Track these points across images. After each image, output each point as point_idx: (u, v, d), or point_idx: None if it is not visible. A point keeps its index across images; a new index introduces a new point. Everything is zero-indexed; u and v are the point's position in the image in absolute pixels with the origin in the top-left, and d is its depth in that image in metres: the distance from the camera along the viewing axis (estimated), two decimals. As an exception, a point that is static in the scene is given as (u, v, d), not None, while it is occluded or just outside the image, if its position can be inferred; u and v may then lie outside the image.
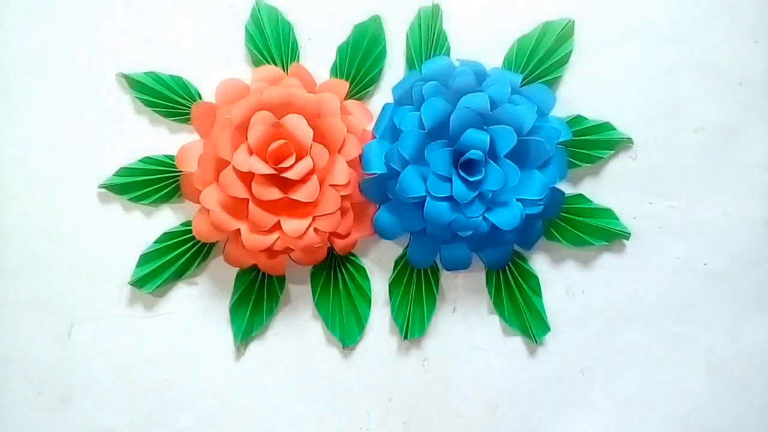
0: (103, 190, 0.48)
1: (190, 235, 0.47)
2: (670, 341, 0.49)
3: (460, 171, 0.44)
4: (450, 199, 0.44)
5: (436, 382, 0.49)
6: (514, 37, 0.48)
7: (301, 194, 0.44)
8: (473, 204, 0.44)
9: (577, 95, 0.49)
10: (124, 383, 0.49)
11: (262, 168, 0.44)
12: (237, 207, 0.45)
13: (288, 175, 0.44)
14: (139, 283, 0.48)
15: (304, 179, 0.44)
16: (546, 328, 0.48)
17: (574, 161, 0.48)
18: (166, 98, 0.48)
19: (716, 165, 0.49)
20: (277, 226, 0.45)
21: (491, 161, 0.44)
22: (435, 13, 0.48)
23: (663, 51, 0.49)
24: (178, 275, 0.48)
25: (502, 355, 0.49)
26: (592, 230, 0.48)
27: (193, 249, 0.48)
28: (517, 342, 0.49)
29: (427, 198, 0.44)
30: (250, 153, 0.44)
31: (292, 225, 0.45)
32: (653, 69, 0.49)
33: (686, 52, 0.49)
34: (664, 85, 0.49)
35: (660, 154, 0.49)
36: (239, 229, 0.45)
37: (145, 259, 0.48)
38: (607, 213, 0.48)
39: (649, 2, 0.49)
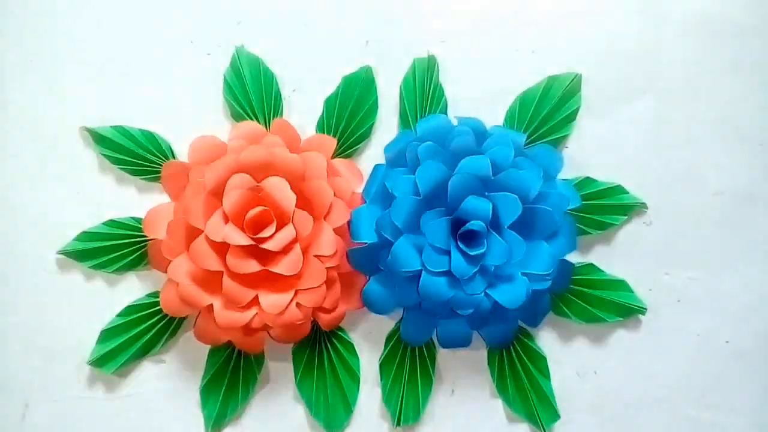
0: (62, 256, 0.44)
1: (158, 308, 0.43)
2: (691, 428, 0.45)
3: (459, 243, 0.40)
4: (448, 273, 0.40)
5: None
6: (516, 93, 0.45)
7: (282, 267, 0.40)
8: (474, 280, 0.40)
9: (586, 156, 0.45)
10: None
11: (238, 238, 0.40)
12: (210, 280, 0.41)
13: (268, 246, 0.40)
14: (99, 362, 0.43)
15: (285, 250, 0.40)
16: (555, 414, 0.44)
17: (584, 228, 0.44)
18: (135, 155, 0.44)
19: (737, 232, 0.45)
20: (255, 302, 0.41)
21: (494, 232, 0.40)
22: (431, 65, 0.45)
23: (678, 108, 0.46)
24: (144, 353, 0.44)
25: None
26: (604, 304, 0.44)
27: (161, 324, 0.44)
28: (523, 430, 0.45)
29: (423, 272, 0.40)
30: (226, 221, 0.40)
31: (272, 300, 0.41)
32: (667, 127, 0.46)
33: (703, 109, 0.46)
34: (679, 145, 0.46)
35: (677, 220, 0.46)
36: (212, 305, 0.41)
37: (106, 335, 0.43)
38: (621, 285, 0.45)
39: (661, 55, 0.46)
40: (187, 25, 0.45)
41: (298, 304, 0.41)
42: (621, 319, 0.44)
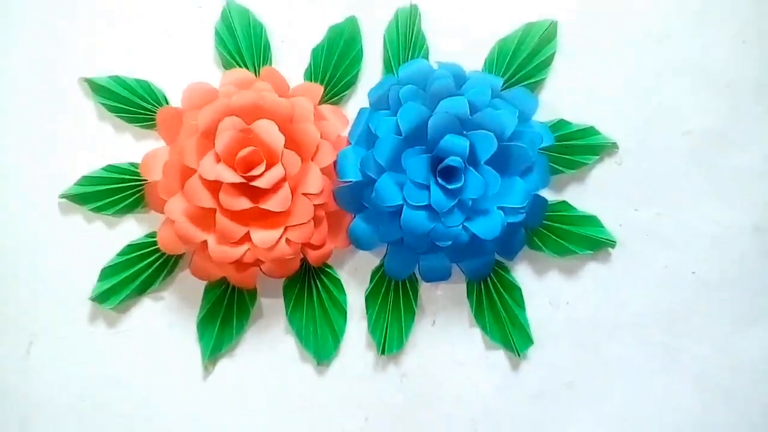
0: (64, 200, 0.46)
1: (155, 247, 0.45)
2: (659, 353, 0.48)
3: (438, 178, 0.42)
4: (428, 207, 0.42)
5: (416, 399, 0.47)
6: (495, 39, 0.47)
7: (272, 204, 0.42)
8: (452, 213, 0.42)
9: (561, 99, 0.47)
10: (87, 404, 0.46)
11: (230, 176, 0.42)
12: (204, 217, 0.43)
13: (258, 183, 0.42)
14: (100, 298, 0.45)
15: (275, 188, 0.42)
16: (529, 340, 0.47)
17: (558, 167, 0.46)
18: (131, 103, 0.46)
19: (705, 170, 0.48)
20: (247, 237, 0.43)
21: (471, 168, 0.42)
22: (413, 14, 0.46)
23: (649, 53, 0.47)
24: (143, 289, 0.46)
25: (483, 370, 0.47)
26: (576, 239, 0.46)
27: (159, 262, 0.46)
28: (499, 356, 0.47)
29: (404, 207, 0.42)
30: (218, 160, 0.42)
31: (263, 236, 0.43)
32: (639, 71, 0.47)
33: (673, 53, 0.48)
34: (650, 88, 0.47)
35: (646, 159, 0.47)
36: (206, 241, 0.43)
37: (107, 272, 0.45)
38: (592, 221, 0.47)
39: (634, 3, 0.48)
40: None
41: (287, 240, 0.43)
42: (592, 252, 0.46)
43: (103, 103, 0.46)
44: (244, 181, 0.42)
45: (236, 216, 0.42)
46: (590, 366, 0.47)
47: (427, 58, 0.46)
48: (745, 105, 0.48)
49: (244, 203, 0.42)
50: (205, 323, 0.46)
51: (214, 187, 0.42)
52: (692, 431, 0.48)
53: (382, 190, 0.42)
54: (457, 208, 0.42)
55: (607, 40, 0.47)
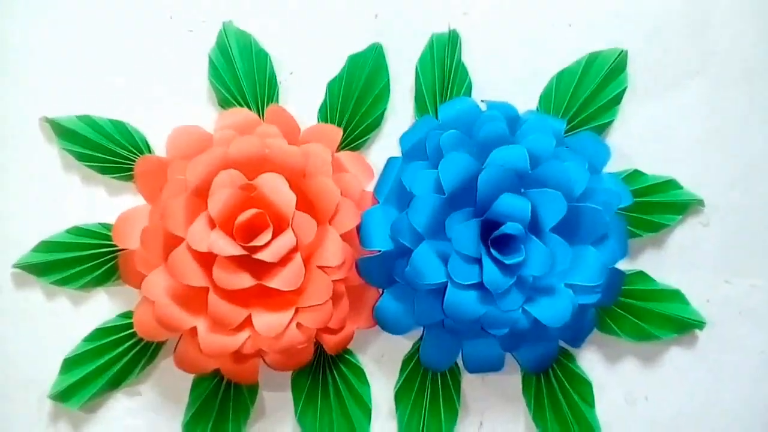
0: (19, 270, 0.40)
1: (131, 331, 0.39)
2: None
3: (491, 249, 0.36)
4: (479, 286, 0.36)
5: None
6: (552, 72, 0.42)
7: (279, 281, 0.36)
8: (510, 293, 0.36)
9: (633, 145, 0.42)
10: None
11: (227, 247, 0.35)
12: (193, 297, 0.37)
13: (262, 256, 0.36)
14: (63, 395, 0.39)
15: (283, 261, 0.36)
16: None
17: (632, 230, 0.41)
18: (103, 150, 0.41)
19: None
20: (248, 322, 0.37)
21: (533, 236, 0.36)
22: (452, 41, 0.41)
23: (735, 91, 0.43)
24: (115, 384, 0.40)
25: None
26: (656, 319, 0.41)
27: (135, 349, 0.40)
28: None
29: (449, 285, 0.36)
30: (212, 226, 0.36)
31: (268, 321, 0.36)
32: (725, 113, 0.43)
33: (763, 92, 0.43)
34: (738, 134, 0.43)
35: (738, 220, 0.42)
36: (195, 327, 0.36)
37: (70, 364, 0.40)
38: (675, 296, 0.41)
39: (716, 32, 0.43)
40: None
41: (299, 325, 0.37)
42: (675, 335, 0.41)
43: (68, 150, 0.40)
44: (245, 253, 0.36)
45: (234, 296, 0.36)
46: (676, 478, 0.41)
47: (469, 95, 0.41)
48: None
49: (245, 280, 0.36)
50: (193, 426, 0.40)
51: (207, 259, 0.36)
52: None
53: (420, 264, 0.35)
54: (515, 287, 0.36)
55: (686, 74, 0.43)
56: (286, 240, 0.36)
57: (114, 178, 0.41)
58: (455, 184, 0.36)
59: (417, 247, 0.36)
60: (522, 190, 0.36)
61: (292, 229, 0.36)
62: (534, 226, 0.36)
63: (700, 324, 0.41)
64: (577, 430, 0.40)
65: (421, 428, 0.40)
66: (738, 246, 0.42)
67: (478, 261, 0.36)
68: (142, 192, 0.39)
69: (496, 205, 0.36)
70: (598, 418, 0.41)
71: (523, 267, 0.35)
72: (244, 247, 0.36)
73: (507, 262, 0.35)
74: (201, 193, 0.37)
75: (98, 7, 0.42)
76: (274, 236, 0.36)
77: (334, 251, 0.37)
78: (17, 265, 0.40)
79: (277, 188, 0.37)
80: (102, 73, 0.42)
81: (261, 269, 0.36)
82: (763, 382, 0.42)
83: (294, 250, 0.36)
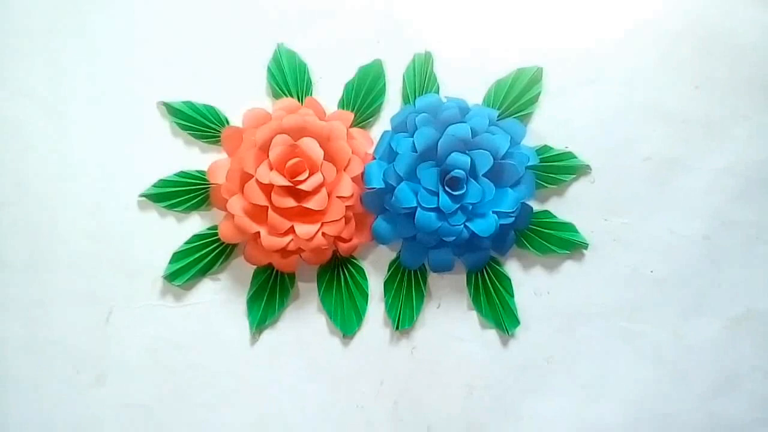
0: (143, 198, 0.55)
1: (216, 237, 0.54)
2: (622, 337, 0.56)
3: (445, 187, 0.52)
4: (437, 210, 0.51)
5: (423, 367, 0.56)
6: (492, 80, 0.56)
7: (312, 203, 0.51)
8: (456, 214, 0.51)
9: (545, 129, 0.56)
10: (154, 364, 0.55)
11: (280, 180, 0.51)
12: (258, 213, 0.52)
13: (302, 187, 0.51)
14: (171, 277, 0.54)
15: (315, 191, 0.51)
16: (517, 322, 0.55)
17: (542, 183, 0.55)
18: (200, 123, 0.55)
19: (662, 189, 0.56)
20: (291, 230, 0.52)
21: (472, 179, 0.52)
22: (427, 59, 0.55)
23: (617, 94, 0.56)
24: (204, 271, 0.55)
25: (479, 344, 0.56)
26: (556, 241, 0.55)
27: (218, 249, 0.55)
28: (492, 334, 0.56)
29: (418, 209, 0.51)
30: (271, 168, 0.51)
31: (304, 229, 0.52)
32: (609, 108, 0.56)
33: (637, 95, 0.56)
34: (618, 122, 0.56)
35: (614, 179, 0.56)
36: (259, 232, 0.51)
37: (176, 256, 0.54)
38: (569, 227, 0.56)
39: (605, 52, 0.56)
40: (240, 25, 0.56)
41: (323, 233, 0.52)
42: (569, 252, 0.55)
43: (176, 123, 0.55)
44: (291, 185, 0.51)
45: (283, 213, 0.51)
46: (565, 345, 0.56)
47: (437, 94, 0.55)
48: (696, 138, 0.57)
49: (290, 202, 0.51)
50: (253, 301, 0.55)
51: (267, 189, 0.51)
52: (648, 401, 0.56)
53: (400, 195, 0.52)
54: (460, 210, 0.52)
55: (583, 83, 0.56)
56: (317, 178, 0.51)
57: (205, 142, 0.55)
58: (424, 146, 0.51)
59: (399, 185, 0.51)
60: (466, 151, 0.51)
61: (321, 172, 0.51)
62: (473, 173, 0.52)
63: (585, 245, 0.55)
64: (501, 310, 0.55)
65: (400, 306, 0.55)
66: (614, 197, 0.56)
67: (437, 194, 0.51)
68: (225, 149, 0.54)
69: (449, 160, 0.51)
70: (515, 303, 0.55)
71: (465, 198, 0.51)
72: (290, 181, 0.51)
73: (454, 194, 0.51)
74: (264, 149, 0.51)
75: (199, 31, 0.55)
76: (310, 176, 0.51)
77: (346, 187, 0.52)
78: (143, 195, 0.54)
79: (312, 147, 0.51)
80: (201, 74, 0.55)
81: (300, 196, 0.51)
82: (628, 286, 0.56)
83: (321, 185, 0.51)
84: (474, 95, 0.56)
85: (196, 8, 0.57)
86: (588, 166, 0.56)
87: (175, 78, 0.56)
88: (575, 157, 0.56)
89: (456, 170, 0.52)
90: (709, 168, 0.57)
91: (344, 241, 0.54)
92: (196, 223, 0.56)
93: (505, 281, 0.56)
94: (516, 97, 0.56)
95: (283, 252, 0.53)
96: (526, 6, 0.57)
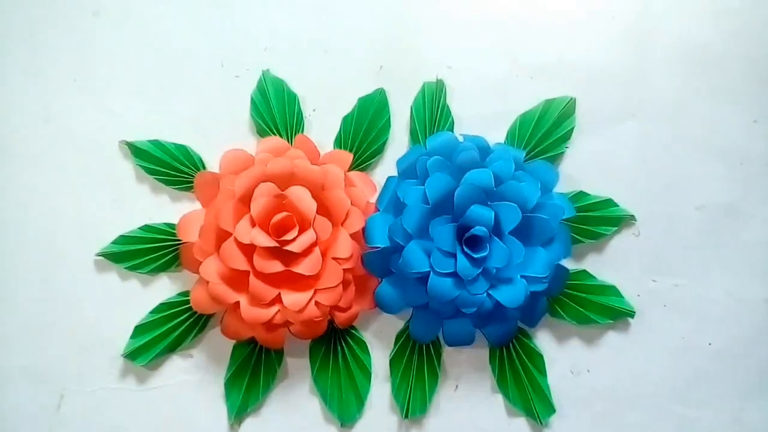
0: (100, 258, 0.48)
1: (187, 306, 0.47)
2: (675, 423, 0.49)
3: (464, 247, 0.44)
4: (454, 275, 0.44)
5: None
6: (516, 114, 0.49)
7: (303, 267, 0.44)
8: (477, 281, 0.44)
9: (580, 171, 0.50)
10: None
11: (264, 240, 0.44)
12: (237, 279, 0.45)
13: (290, 248, 0.44)
14: (132, 355, 0.47)
15: (306, 252, 0.44)
16: (551, 409, 0.48)
17: (578, 237, 0.48)
18: (169, 166, 0.48)
19: (718, 243, 0.50)
20: (278, 299, 0.45)
21: (496, 238, 0.44)
22: (439, 88, 0.49)
23: (663, 129, 0.50)
24: (173, 347, 0.48)
25: None
26: (596, 308, 0.48)
27: (190, 320, 0.48)
28: (521, 423, 0.48)
29: (431, 273, 0.44)
30: (253, 225, 0.44)
31: (293, 298, 0.44)
32: (654, 146, 0.50)
33: (686, 130, 0.50)
34: (665, 163, 0.50)
35: (662, 231, 0.50)
36: (239, 302, 0.44)
37: (139, 330, 0.47)
38: (612, 290, 0.49)
39: (648, 81, 0.50)
40: (218, 49, 0.49)
41: (316, 303, 0.45)
42: (611, 321, 0.48)
43: (141, 166, 0.48)
44: (277, 245, 0.44)
45: (268, 278, 0.44)
46: (610, 434, 0.49)
47: (452, 130, 0.49)
48: (755, 180, 0.50)
49: (276, 266, 0.44)
50: (232, 382, 0.48)
51: (249, 250, 0.44)
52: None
53: (409, 257, 0.44)
54: (482, 276, 0.44)
55: (623, 115, 0.50)
56: (309, 236, 0.44)
57: (176, 188, 0.48)
58: (438, 196, 0.44)
59: (407, 244, 0.44)
60: (488, 203, 0.44)
61: (313, 229, 0.44)
62: (497, 230, 0.44)
63: (631, 313, 0.48)
64: (532, 394, 0.48)
65: (409, 389, 0.47)
66: (662, 252, 0.49)
67: (454, 255, 0.44)
68: (199, 198, 0.47)
69: (468, 214, 0.44)
70: (549, 385, 0.48)
71: (488, 260, 0.44)
72: (276, 241, 0.44)
73: (475, 256, 0.44)
74: (245, 200, 0.44)
75: (167, 57, 0.49)
76: (300, 234, 0.44)
77: (344, 246, 0.45)
78: (100, 254, 0.47)
79: (302, 197, 0.45)
80: (169, 107, 0.49)
81: (289, 258, 0.44)
82: (681, 360, 0.49)
83: (314, 244, 0.44)
84: (495, 132, 0.49)
85: (164, 28, 0.50)
86: (632, 216, 0.49)
87: (140, 112, 0.49)
88: (616, 206, 0.49)
89: (477, 227, 0.44)
90: (773, 217, 0.50)
91: (342, 310, 0.47)
92: (163, 288, 0.49)
93: (537, 358, 0.48)
94: (545, 134, 0.49)
95: (269, 325, 0.45)
96: (553, 26, 0.50)
